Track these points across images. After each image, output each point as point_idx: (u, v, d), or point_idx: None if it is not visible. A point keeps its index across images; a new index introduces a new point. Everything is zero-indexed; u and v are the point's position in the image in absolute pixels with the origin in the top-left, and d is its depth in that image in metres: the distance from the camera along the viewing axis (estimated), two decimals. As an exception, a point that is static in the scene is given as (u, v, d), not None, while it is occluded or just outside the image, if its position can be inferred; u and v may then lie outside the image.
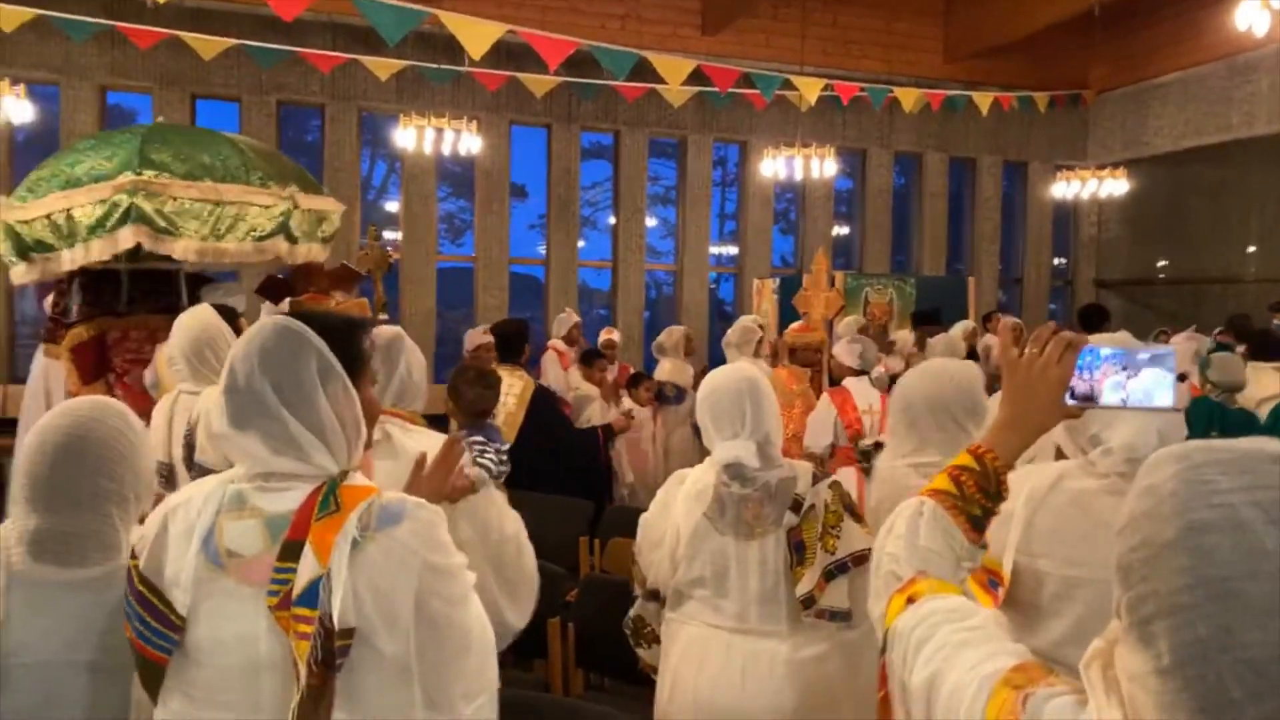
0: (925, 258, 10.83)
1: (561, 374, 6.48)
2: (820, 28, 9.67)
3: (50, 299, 4.66)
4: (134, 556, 1.36)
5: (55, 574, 1.51)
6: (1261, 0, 4.19)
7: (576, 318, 7.21)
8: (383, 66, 7.66)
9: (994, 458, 1.21)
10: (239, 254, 4.35)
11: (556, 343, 6.84)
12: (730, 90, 7.77)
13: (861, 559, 2.05)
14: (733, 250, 10.88)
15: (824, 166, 8.35)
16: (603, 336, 7.22)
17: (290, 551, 1.27)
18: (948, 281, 9.96)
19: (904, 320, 8.09)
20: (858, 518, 2.10)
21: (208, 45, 7.17)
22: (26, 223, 4.07)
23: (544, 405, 4.72)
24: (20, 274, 4.18)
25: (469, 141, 7.75)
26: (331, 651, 1.21)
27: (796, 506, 2.09)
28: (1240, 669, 0.71)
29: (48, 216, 4.01)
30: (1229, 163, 10.17)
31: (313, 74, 8.35)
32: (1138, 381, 1.15)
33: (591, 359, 6.43)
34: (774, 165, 8.42)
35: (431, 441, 2.26)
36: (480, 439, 2.75)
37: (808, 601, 2.03)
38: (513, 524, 2.57)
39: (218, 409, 1.35)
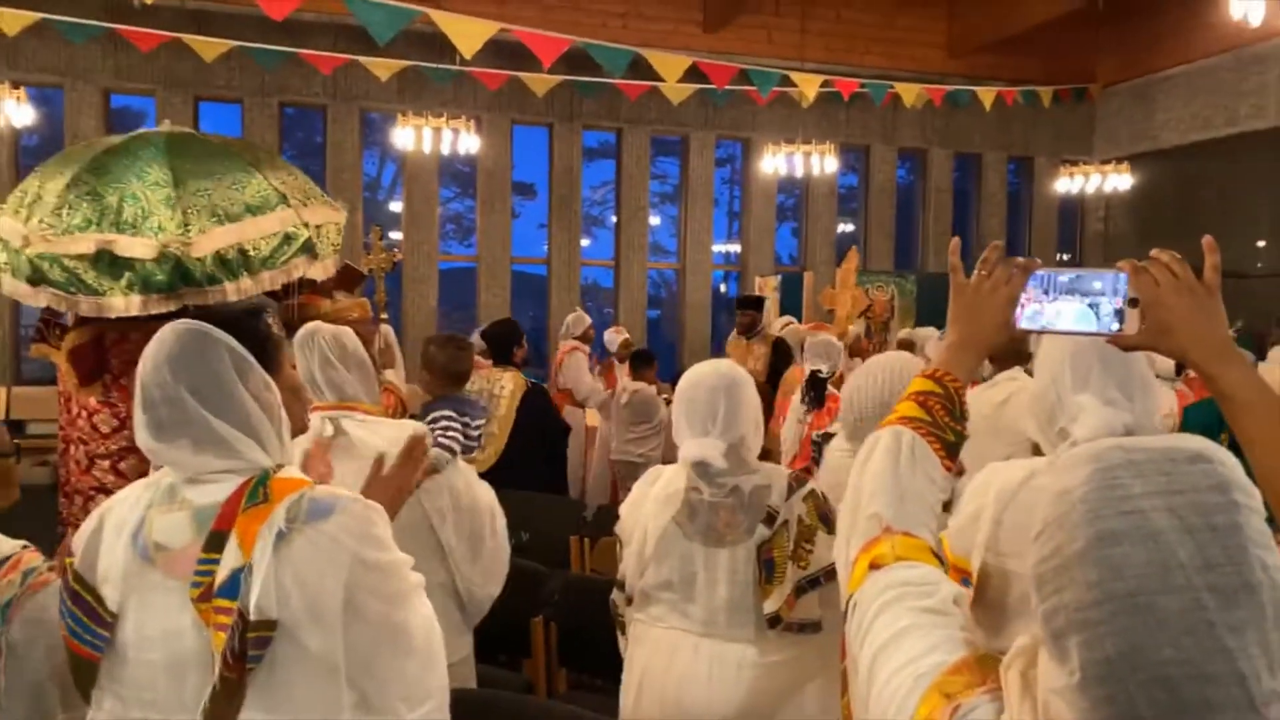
0: (930, 254, 10.78)
1: (584, 374, 6.50)
2: (822, 24, 9.64)
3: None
4: (69, 554, 1.36)
5: None
6: (1255, -10, 4.14)
7: (588, 318, 7.23)
8: (383, 66, 7.67)
9: (952, 379, 1.16)
10: (273, 281, 4.30)
11: (575, 343, 6.83)
12: (731, 87, 7.74)
13: (832, 574, 2.03)
14: (739, 248, 10.87)
15: (825, 163, 8.32)
16: (612, 335, 7.23)
17: (214, 542, 1.25)
18: (949, 278, 9.89)
19: (905, 318, 8.05)
20: (834, 528, 2.05)
21: (209, 47, 7.20)
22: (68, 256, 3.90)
23: (536, 405, 4.71)
24: (26, 295, 4.08)
25: (469, 141, 7.76)
26: (246, 643, 1.19)
27: (770, 519, 2.05)
28: (1152, 688, 0.67)
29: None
30: (1237, 156, 10.06)
31: (314, 75, 8.39)
32: (1058, 304, 1.13)
33: (645, 361, 6.37)
34: (775, 162, 8.40)
35: (394, 431, 2.26)
36: (447, 413, 2.67)
37: (774, 620, 2.00)
38: (485, 495, 2.57)
39: (138, 425, 1.33)
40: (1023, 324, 1.18)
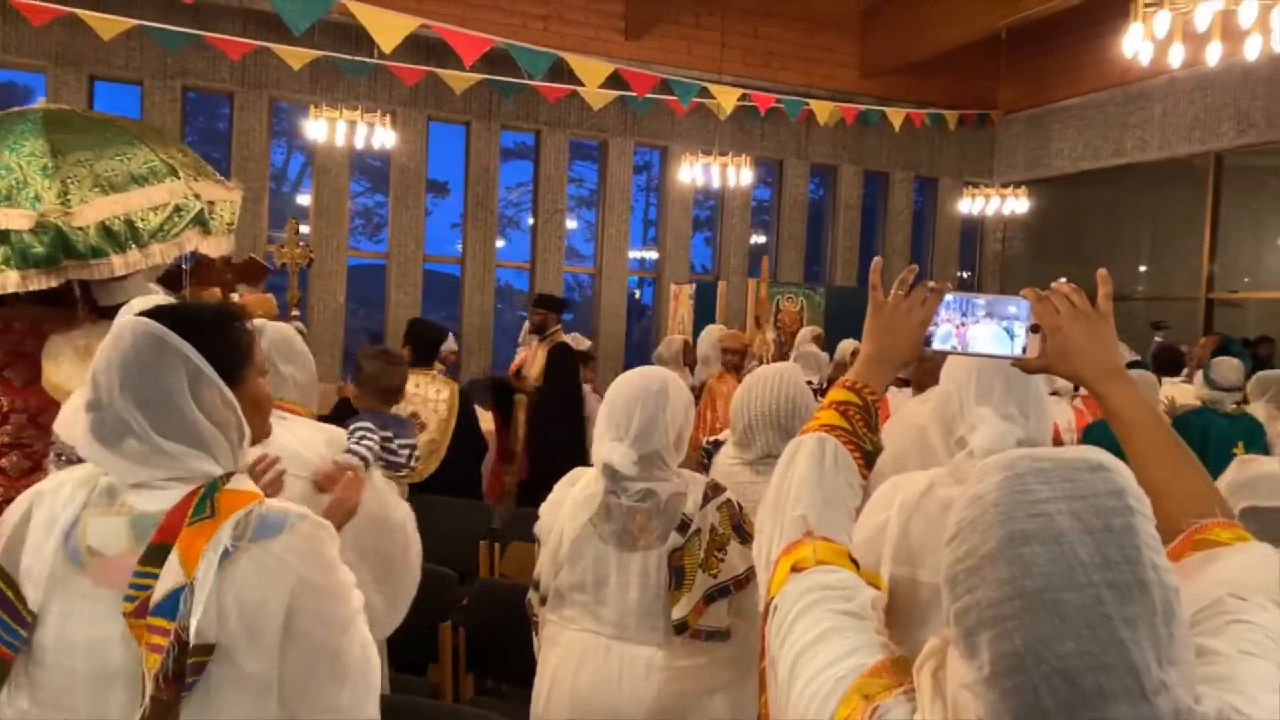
0: (839, 268, 11.08)
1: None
2: (741, 38, 9.81)
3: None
4: None
5: None
6: (1145, 30, 4.40)
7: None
8: (295, 55, 7.45)
9: (870, 391, 1.22)
10: (163, 254, 4.11)
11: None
12: (650, 96, 7.81)
13: (742, 583, 2.07)
14: (655, 255, 10.95)
15: (740, 175, 8.46)
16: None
17: (154, 555, 1.19)
18: (856, 292, 10.21)
19: (809, 328, 8.25)
20: (747, 537, 2.08)
21: (107, 24, 6.85)
22: None
23: (469, 410, 4.73)
24: None
25: (383, 136, 7.60)
26: (184, 667, 1.14)
27: (683, 527, 2.07)
28: (1054, 679, 0.72)
29: None
30: (1123, 185, 10.68)
31: (221, 60, 8.09)
32: (972, 329, 1.21)
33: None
34: (692, 172, 8.50)
35: (308, 432, 2.22)
36: (367, 424, 2.64)
37: (680, 627, 2.03)
38: (399, 512, 2.51)
39: (80, 422, 1.26)
40: (938, 345, 1.25)
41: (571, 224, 11.43)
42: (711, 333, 6.73)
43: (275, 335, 2.28)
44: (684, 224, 10.45)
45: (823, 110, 8.66)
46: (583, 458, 5.57)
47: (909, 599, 1.55)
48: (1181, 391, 5.72)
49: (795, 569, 1.05)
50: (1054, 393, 5.94)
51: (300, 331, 5.54)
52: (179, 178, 3.47)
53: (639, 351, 10.56)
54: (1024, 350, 1.19)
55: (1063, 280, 1.22)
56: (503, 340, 9.64)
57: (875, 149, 10.91)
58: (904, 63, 10.15)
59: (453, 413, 4.59)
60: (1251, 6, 4.00)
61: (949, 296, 1.23)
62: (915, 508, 1.70)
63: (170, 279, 4.58)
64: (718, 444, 2.90)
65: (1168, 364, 6.77)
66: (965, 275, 12.07)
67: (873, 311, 1.26)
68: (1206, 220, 9.50)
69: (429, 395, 4.61)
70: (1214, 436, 4.69)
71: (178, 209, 3.43)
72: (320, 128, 7.42)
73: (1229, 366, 4.99)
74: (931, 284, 1.24)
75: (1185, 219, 9.75)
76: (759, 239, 11.39)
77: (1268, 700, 0.79)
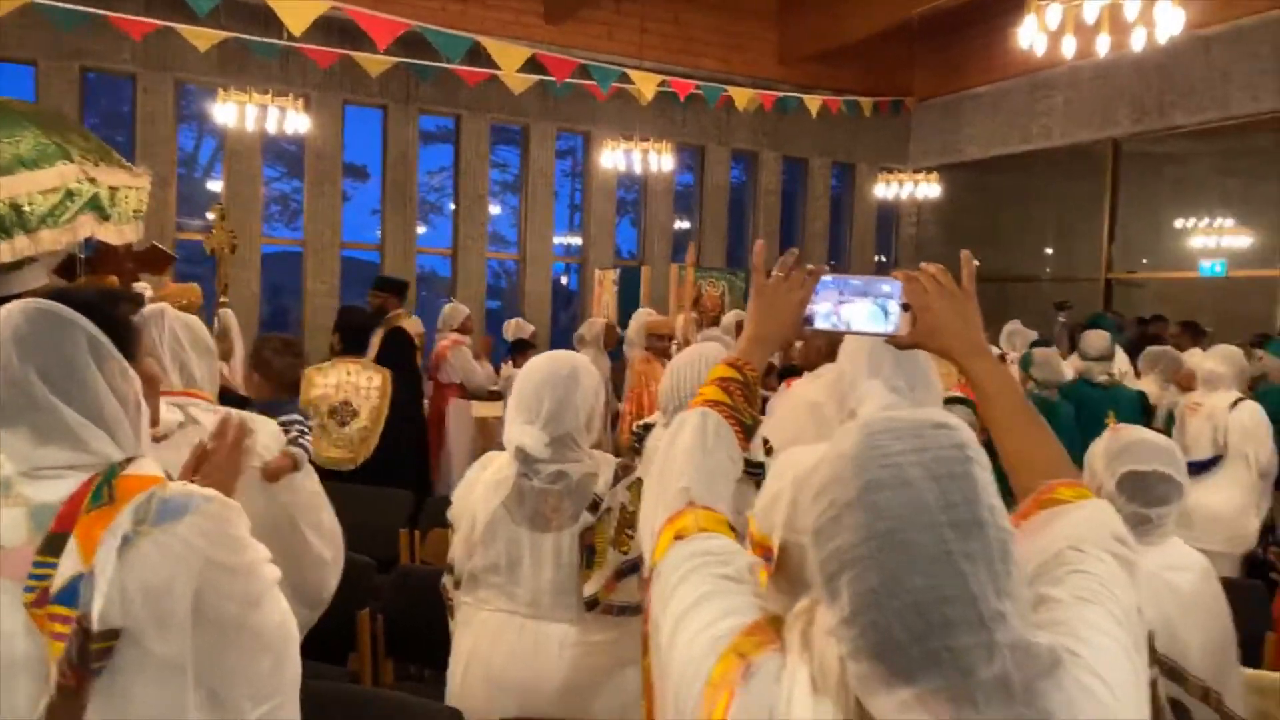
0: (760, 252, 11.23)
1: (475, 364, 6.45)
2: (661, 24, 9.84)
3: None
4: None
5: None
6: (1039, 23, 4.60)
7: (465, 309, 7.10)
8: (202, 36, 7.20)
9: (751, 368, 1.28)
10: (55, 240, 3.96)
11: (455, 335, 6.68)
12: (570, 81, 7.79)
13: None
14: (580, 240, 10.95)
15: (662, 161, 8.51)
16: (514, 327, 7.23)
17: (53, 545, 1.18)
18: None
19: (732, 311, 8.38)
20: None
21: (-3, 1, 6.53)
22: None
23: (404, 399, 4.70)
24: None
25: (296, 120, 7.42)
26: (88, 654, 1.14)
27: (594, 506, 2.12)
28: (906, 613, 0.79)
29: None
30: (1031, 171, 11.08)
31: (124, 40, 7.75)
32: (849, 307, 1.29)
33: (523, 348, 6.55)
34: (614, 157, 8.52)
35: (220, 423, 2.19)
36: (296, 417, 2.65)
37: (592, 603, 2.08)
38: (328, 508, 2.54)
39: None
40: (819, 324, 1.32)
41: (496, 209, 11.34)
42: (639, 317, 6.80)
43: (180, 324, 2.22)
44: (608, 209, 10.47)
45: (741, 97, 8.77)
46: (422, 442, 5.54)
47: (799, 564, 1.62)
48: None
49: (678, 537, 1.10)
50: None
51: (229, 321, 5.42)
52: (72, 162, 3.35)
53: (567, 337, 10.52)
54: (896, 328, 1.27)
55: (929, 263, 1.30)
56: (428, 327, 9.52)
57: (794, 135, 11.08)
58: (822, 50, 10.32)
59: (385, 400, 4.55)
60: (1136, 0, 4.21)
61: (826, 277, 1.30)
62: (806, 480, 1.78)
63: (65, 268, 4.42)
64: (648, 427, 2.95)
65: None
66: (882, 259, 12.39)
67: (755, 293, 1.32)
68: (1106, 204, 9.93)
69: (360, 383, 4.57)
70: (1087, 406, 4.93)
71: (70, 194, 3.32)
72: (229, 111, 7.20)
73: (1097, 337, 5.28)
74: (810, 266, 1.30)
75: (1088, 203, 10.17)
76: (683, 224, 11.48)
77: (1098, 641, 0.88)
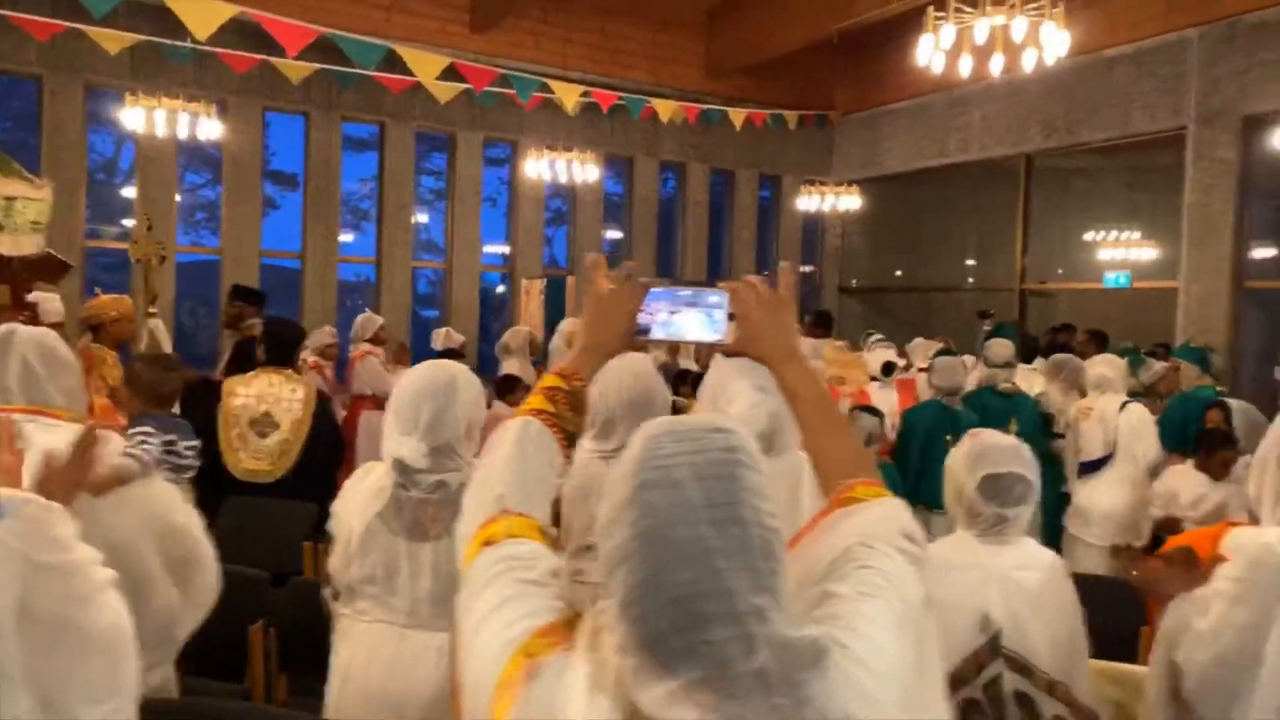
0: (689, 263, 11.36)
1: (384, 374, 6.37)
2: (589, 35, 9.90)
3: None
4: None
5: None
6: (935, 41, 4.76)
7: (379, 318, 7.01)
8: (111, 39, 7.03)
9: (579, 377, 1.31)
10: None
11: (369, 346, 6.59)
12: (493, 90, 7.79)
13: None
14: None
15: (587, 171, 8.56)
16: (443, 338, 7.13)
17: None
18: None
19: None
20: None
21: (-112, -1, 6.30)
22: None
23: (327, 413, 4.64)
24: None
25: (210, 126, 7.28)
26: None
27: None
28: (667, 606, 0.83)
29: None
30: (950, 184, 11.41)
31: (29, 42, 7.51)
32: (681, 317, 1.33)
33: (453, 358, 6.49)
34: (538, 167, 8.54)
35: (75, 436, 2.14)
36: (148, 428, 2.58)
37: None
38: (183, 517, 2.46)
39: None
40: (655, 334, 1.36)
41: (422, 218, 11.26)
42: (564, 326, 6.81)
43: (32, 342, 2.11)
44: (535, 218, 10.47)
45: (665, 109, 8.86)
46: (338, 454, 5.46)
47: None
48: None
49: (486, 543, 1.12)
50: (874, 378, 6.32)
51: (159, 331, 5.27)
52: None
53: (496, 347, 10.53)
54: (723, 336, 1.32)
55: (751, 275, 1.35)
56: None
57: (722, 148, 11.22)
58: (749, 64, 10.48)
59: (308, 413, 4.47)
60: (1022, 23, 4.39)
61: (656, 289, 1.34)
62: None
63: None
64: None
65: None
66: (809, 269, 12.61)
67: (587, 304, 1.36)
68: (1019, 217, 10.27)
69: (283, 394, 4.48)
70: (991, 412, 5.11)
71: None
72: (137, 116, 7.01)
73: (1001, 345, 5.49)
74: (643, 279, 1.35)
75: (1005, 216, 10.51)
76: (615, 234, 11.54)
77: (872, 633, 0.93)
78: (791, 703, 0.83)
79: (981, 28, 4.45)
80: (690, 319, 1.34)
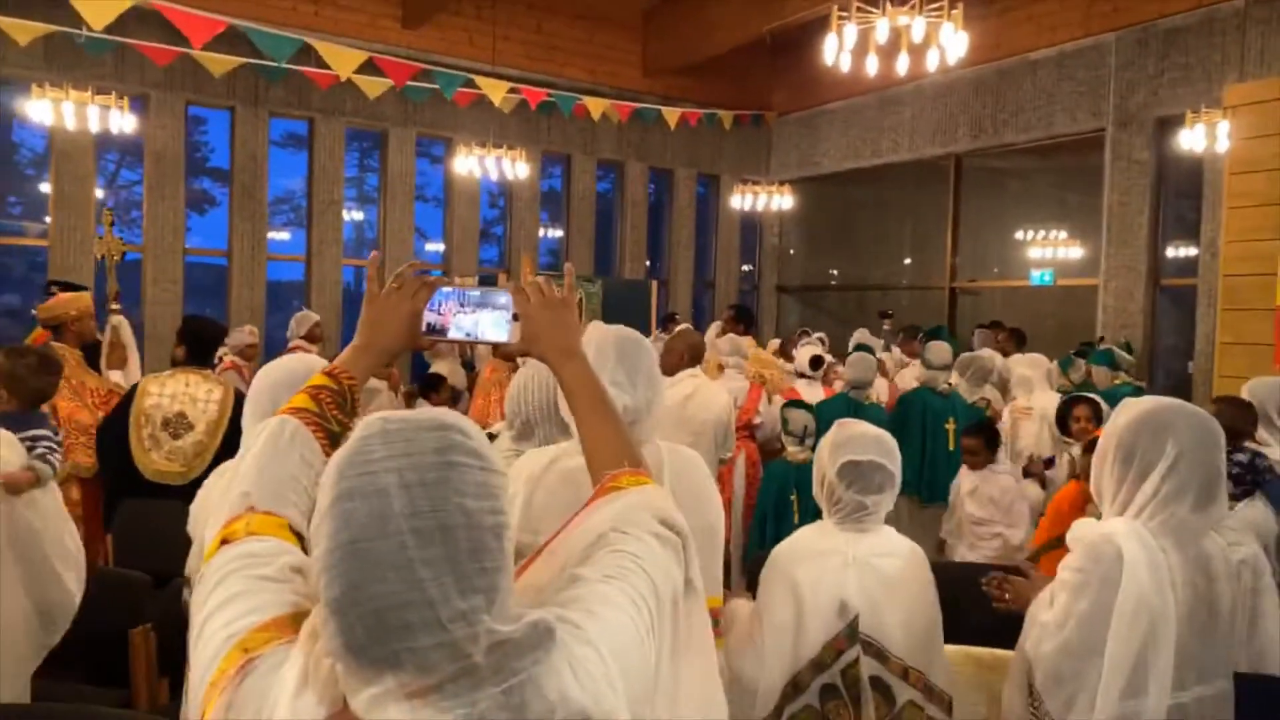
0: (627, 261, 11.36)
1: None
2: (525, 32, 9.85)
3: None
4: None
5: None
6: (839, 41, 4.81)
7: (315, 315, 6.86)
8: (21, 29, 6.81)
9: (349, 377, 1.28)
10: None
11: (301, 343, 6.46)
12: (421, 86, 7.70)
13: None
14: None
15: (518, 168, 8.50)
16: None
17: None
18: (633, 284, 10.56)
19: (588, 320, 8.44)
20: None
21: None
22: None
23: (242, 413, 4.50)
24: None
25: (125, 120, 7.08)
26: None
27: None
28: (367, 619, 0.81)
29: None
30: (884, 184, 11.56)
31: (-67, 30, 7.26)
32: (472, 317, 1.33)
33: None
34: (468, 163, 8.46)
35: None
36: (44, 432, 2.54)
37: None
38: (71, 530, 2.46)
39: None
40: (452, 334, 1.35)
41: (358, 215, 11.09)
42: None
43: None
44: (470, 216, 10.38)
45: (597, 106, 8.85)
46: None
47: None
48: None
49: (225, 541, 1.08)
50: (801, 374, 6.38)
51: (122, 330, 5.10)
52: None
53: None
54: (510, 336, 1.33)
55: (536, 275, 1.34)
56: (278, 333, 9.23)
57: (660, 147, 11.25)
58: (685, 64, 10.52)
59: (225, 414, 4.37)
60: (921, 24, 4.46)
61: (445, 289, 1.33)
62: (538, 481, 1.82)
63: None
64: (492, 436, 2.94)
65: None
66: (748, 268, 12.69)
67: (367, 304, 1.32)
68: (949, 216, 10.45)
69: (199, 395, 4.38)
70: (930, 413, 5.21)
71: None
72: (44, 109, 6.80)
73: (939, 348, 5.56)
74: (429, 279, 1.33)
75: (938, 215, 10.68)
76: (556, 233, 11.50)
77: (605, 613, 0.93)
78: (504, 690, 0.83)
79: (882, 28, 4.51)
80: (484, 319, 1.35)
